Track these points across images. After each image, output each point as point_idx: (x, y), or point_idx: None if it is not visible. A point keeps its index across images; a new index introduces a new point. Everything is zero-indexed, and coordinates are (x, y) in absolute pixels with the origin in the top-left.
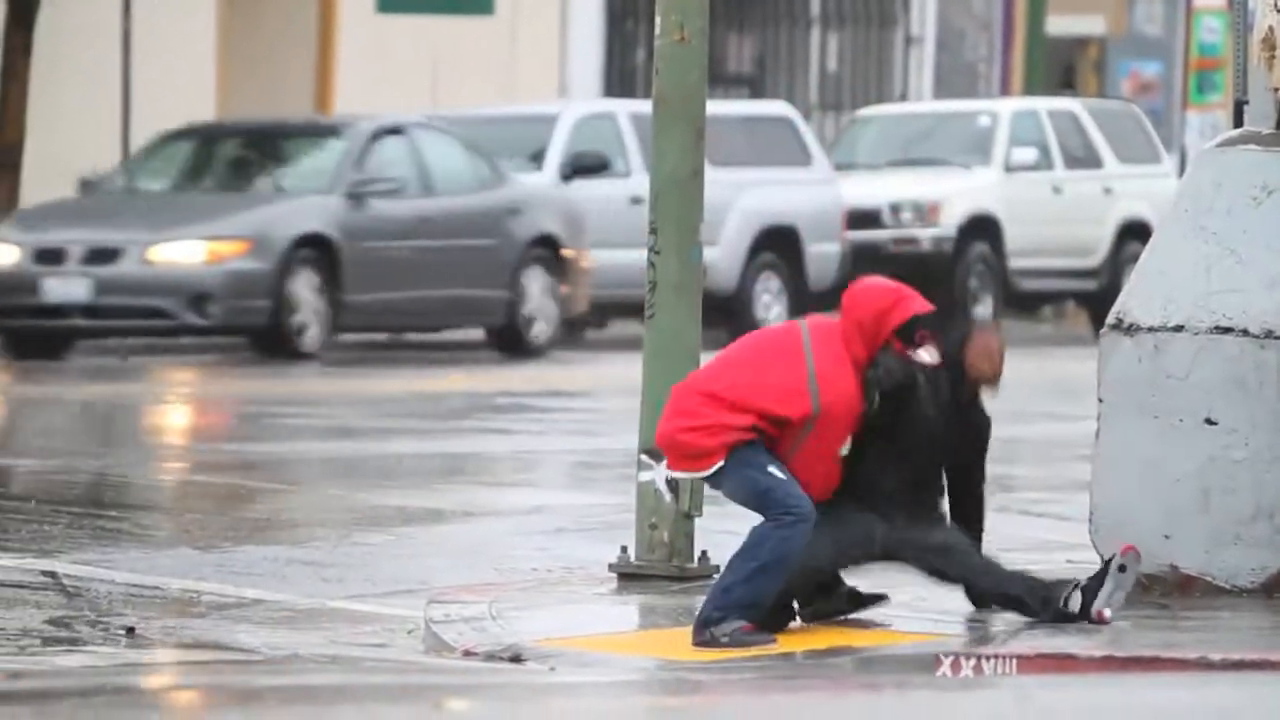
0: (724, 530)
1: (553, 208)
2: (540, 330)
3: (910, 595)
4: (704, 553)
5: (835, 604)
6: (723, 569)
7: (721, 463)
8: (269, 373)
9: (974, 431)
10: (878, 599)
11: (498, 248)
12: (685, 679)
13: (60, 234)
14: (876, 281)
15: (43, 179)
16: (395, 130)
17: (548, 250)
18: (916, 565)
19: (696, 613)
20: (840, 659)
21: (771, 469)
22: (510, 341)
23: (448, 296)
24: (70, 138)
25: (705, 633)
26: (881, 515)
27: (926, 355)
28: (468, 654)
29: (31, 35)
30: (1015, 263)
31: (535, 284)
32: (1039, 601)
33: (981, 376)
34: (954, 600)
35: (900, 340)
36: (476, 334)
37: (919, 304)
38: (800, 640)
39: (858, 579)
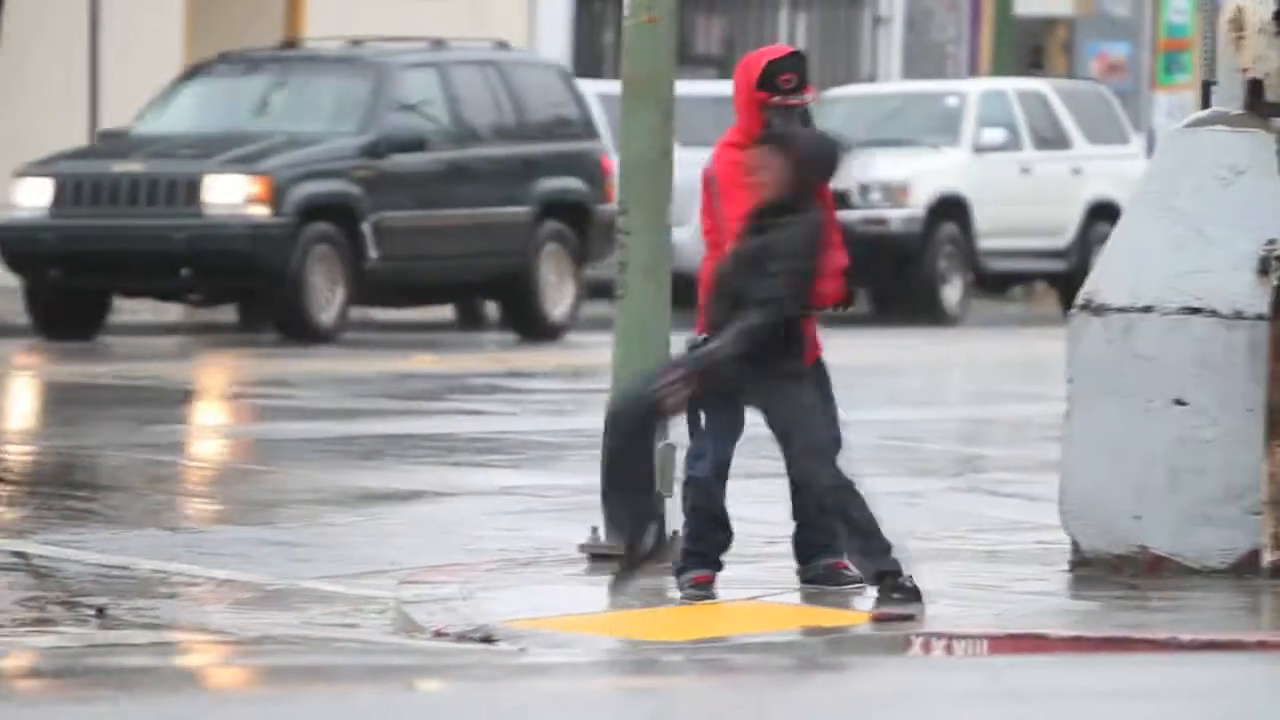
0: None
1: None
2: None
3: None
4: (675, 533)
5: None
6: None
7: None
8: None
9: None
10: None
11: None
12: (655, 659)
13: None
14: None
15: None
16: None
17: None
18: None
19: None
20: (810, 639)
21: None
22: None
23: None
24: (37, 105)
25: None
26: None
27: None
28: (439, 634)
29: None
30: (984, 243)
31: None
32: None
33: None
34: (922, 579)
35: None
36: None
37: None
38: (770, 620)
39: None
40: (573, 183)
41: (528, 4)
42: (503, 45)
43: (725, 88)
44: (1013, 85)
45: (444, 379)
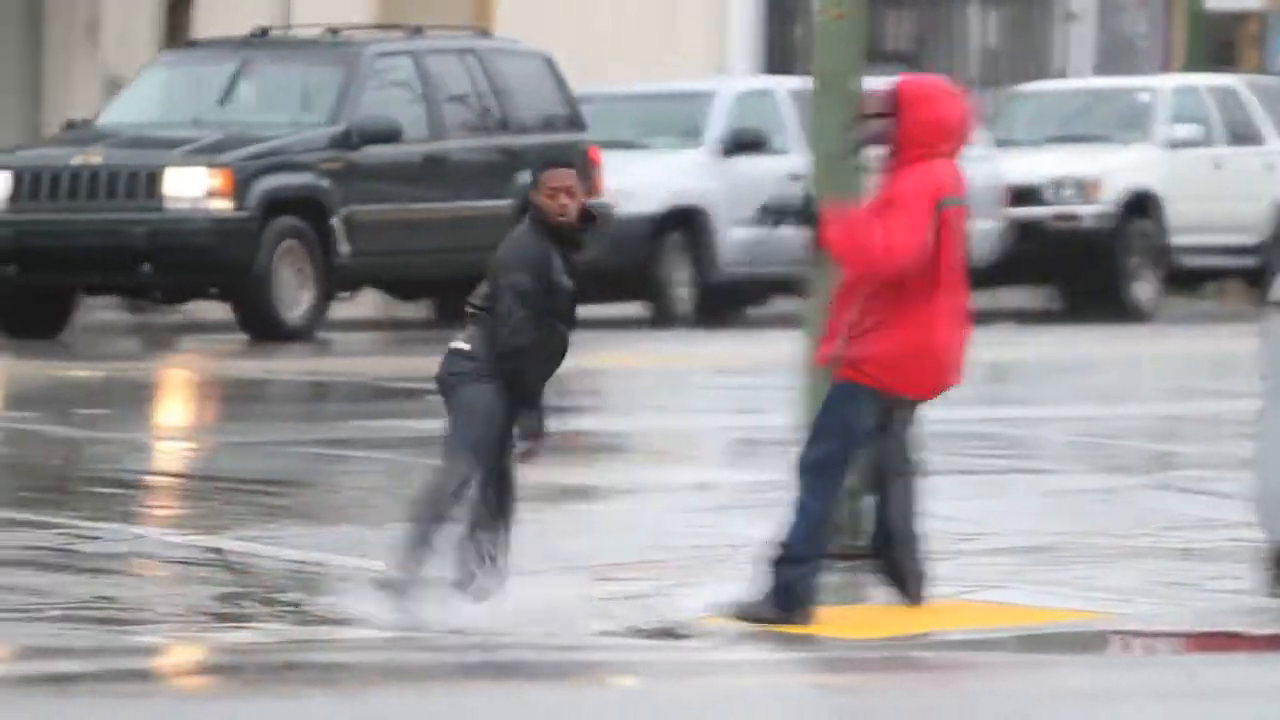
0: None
1: None
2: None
3: (1071, 574)
4: (869, 531)
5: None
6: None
7: None
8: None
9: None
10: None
11: None
12: (849, 656)
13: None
14: None
15: None
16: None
17: None
18: None
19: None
20: (1006, 637)
21: None
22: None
23: None
24: None
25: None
26: None
27: None
28: (633, 631)
29: None
30: (1176, 239)
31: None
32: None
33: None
34: (1116, 577)
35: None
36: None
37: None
38: (966, 617)
39: None
40: None
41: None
42: (484, 33)
43: None
44: (1204, 81)
45: (628, 375)
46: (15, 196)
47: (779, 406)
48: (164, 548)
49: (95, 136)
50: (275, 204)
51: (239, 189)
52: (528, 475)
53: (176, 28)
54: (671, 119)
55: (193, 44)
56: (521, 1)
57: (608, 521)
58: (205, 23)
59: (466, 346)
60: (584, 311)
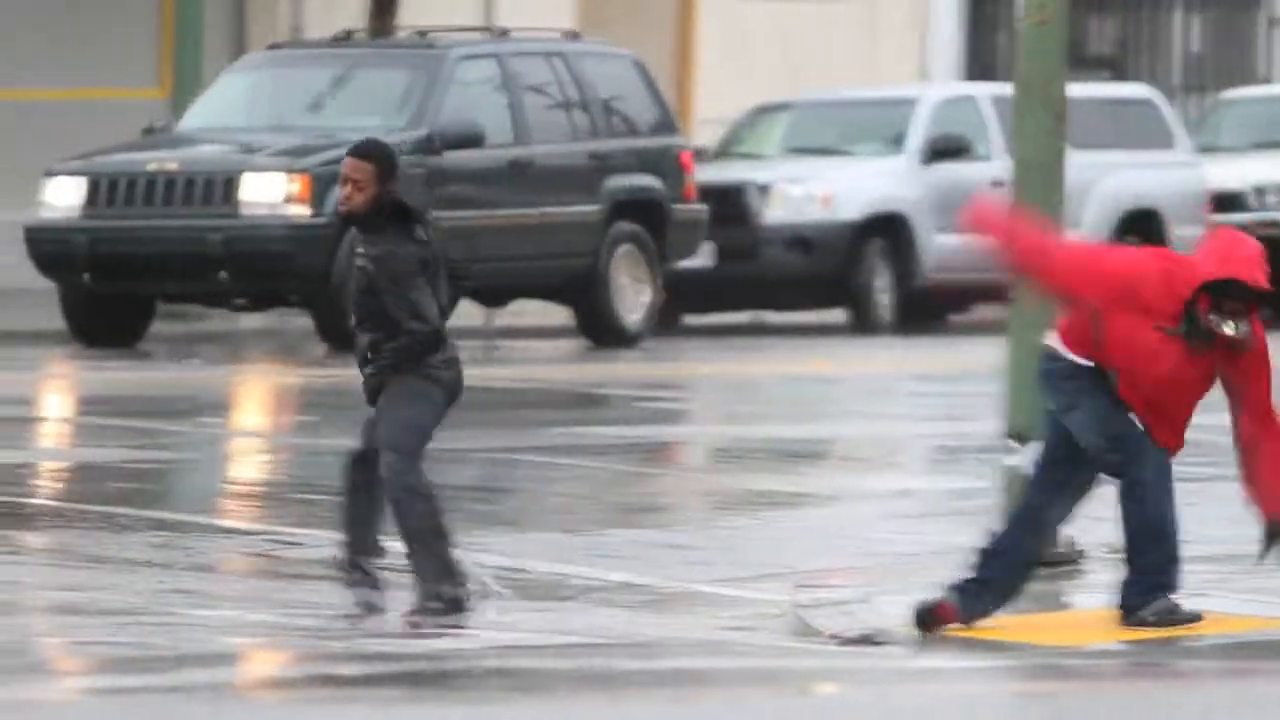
0: (1088, 515)
1: None
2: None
3: (1276, 583)
4: (1071, 538)
5: None
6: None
7: None
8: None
9: None
10: None
11: None
12: (1054, 664)
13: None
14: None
15: None
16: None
17: None
18: None
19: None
20: (1211, 644)
21: None
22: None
23: None
24: None
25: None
26: None
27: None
28: (835, 638)
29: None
30: None
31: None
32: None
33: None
34: None
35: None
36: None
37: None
38: (1216, 625)
39: None
40: (648, 180)
41: (920, 6)
42: (572, 36)
43: (1118, 90)
44: None
45: (829, 382)
46: (91, 203)
47: (981, 413)
48: None
49: (173, 141)
50: None
51: (317, 195)
52: (727, 482)
53: (382, 33)
54: (874, 126)
55: (276, 47)
56: (723, 8)
57: (809, 529)
58: (408, 20)
59: None
60: (785, 318)
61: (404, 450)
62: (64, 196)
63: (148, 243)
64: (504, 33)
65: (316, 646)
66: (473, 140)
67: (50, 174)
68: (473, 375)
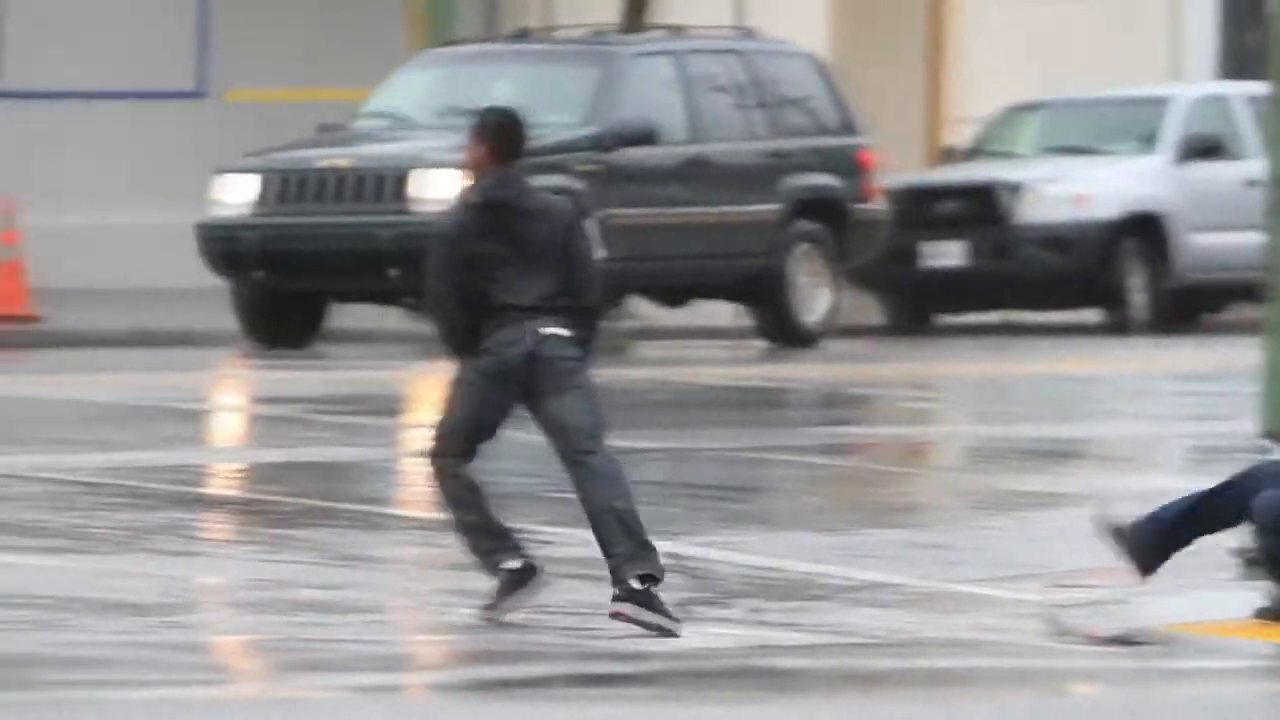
0: None
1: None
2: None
3: None
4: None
5: None
6: None
7: None
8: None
9: None
10: None
11: None
12: None
13: None
14: None
15: None
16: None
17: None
18: None
19: None
20: None
21: None
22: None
23: None
24: None
25: None
26: None
27: None
28: (1090, 639)
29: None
30: None
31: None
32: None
33: None
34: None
35: None
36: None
37: None
38: None
39: None
40: (827, 179)
41: (1172, 4)
42: (749, 33)
43: None
44: None
45: (1084, 382)
46: (263, 200)
47: (1238, 413)
48: None
49: (346, 138)
50: None
51: None
52: (982, 482)
53: (636, 30)
54: (1127, 125)
55: (451, 44)
56: (977, 7)
57: (1065, 528)
58: (662, 19)
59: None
60: (1038, 317)
61: None
62: (236, 194)
63: (318, 240)
64: (679, 30)
65: (573, 645)
66: (646, 138)
67: (222, 171)
68: (722, 376)
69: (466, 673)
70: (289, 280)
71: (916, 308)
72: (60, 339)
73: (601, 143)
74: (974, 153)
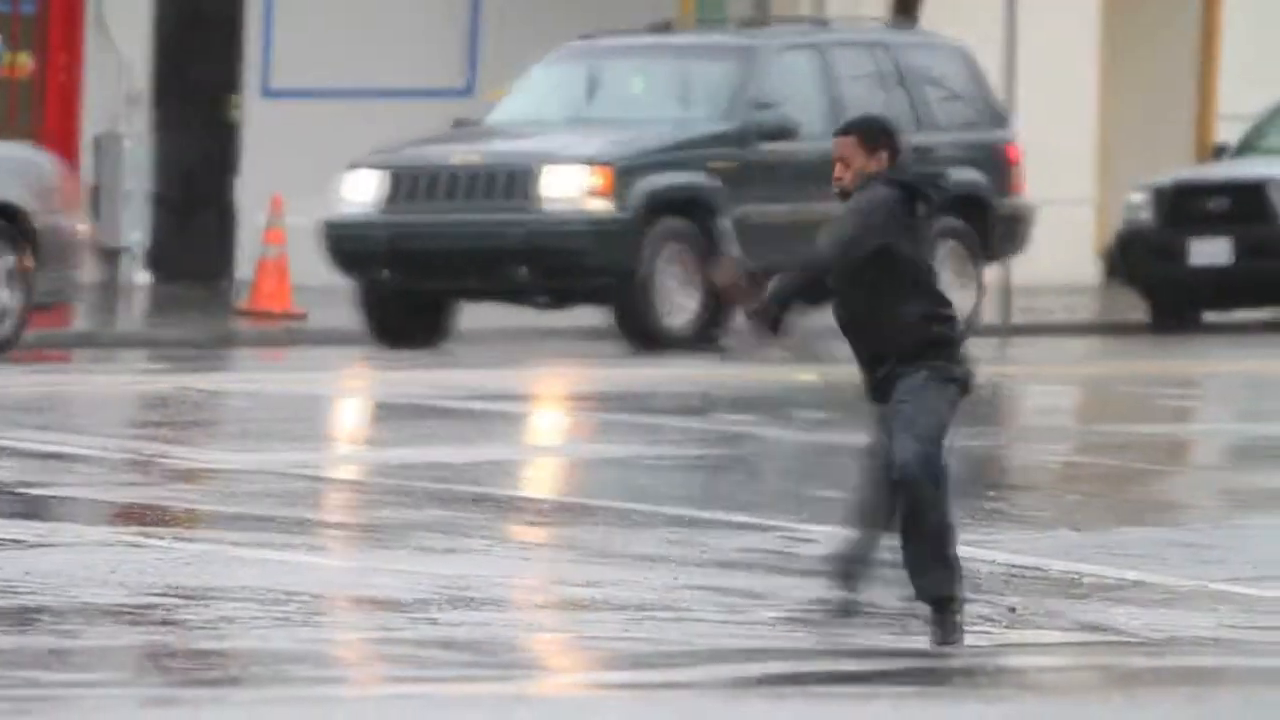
0: None
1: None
2: None
3: None
4: None
5: None
6: None
7: None
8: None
9: None
10: None
11: None
12: None
13: None
14: None
15: None
16: None
17: None
18: None
19: None
20: None
21: None
22: None
23: None
24: None
25: None
26: None
27: None
28: None
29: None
30: None
31: None
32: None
33: None
34: None
35: None
36: None
37: None
38: None
39: None
40: (971, 175)
41: None
42: (897, 26)
43: None
44: None
45: None
46: (393, 197)
47: None
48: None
49: (478, 134)
50: (659, 204)
51: (620, 188)
52: (1243, 480)
53: (906, 21)
54: None
55: (588, 37)
56: (1248, 3)
57: None
58: (933, 16)
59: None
60: (1237, 316)
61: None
62: (364, 191)
63: (447, 238)
64: (823, 22)
65: (827, 642)
66: (787, 132)
67: (352, 167)
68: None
69: (721, 670)
70: (415, 279)
71: (1182, 305)
72: (325, 336)
73: (739, 138)
74: (1243, 149)
